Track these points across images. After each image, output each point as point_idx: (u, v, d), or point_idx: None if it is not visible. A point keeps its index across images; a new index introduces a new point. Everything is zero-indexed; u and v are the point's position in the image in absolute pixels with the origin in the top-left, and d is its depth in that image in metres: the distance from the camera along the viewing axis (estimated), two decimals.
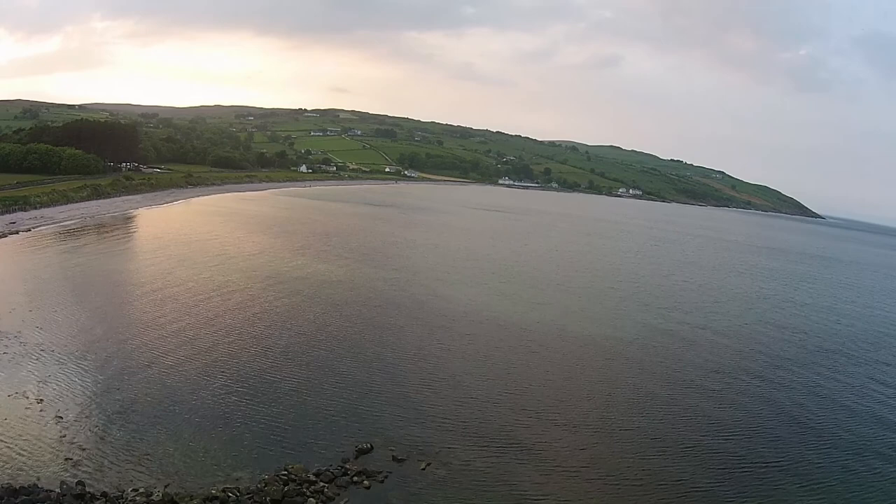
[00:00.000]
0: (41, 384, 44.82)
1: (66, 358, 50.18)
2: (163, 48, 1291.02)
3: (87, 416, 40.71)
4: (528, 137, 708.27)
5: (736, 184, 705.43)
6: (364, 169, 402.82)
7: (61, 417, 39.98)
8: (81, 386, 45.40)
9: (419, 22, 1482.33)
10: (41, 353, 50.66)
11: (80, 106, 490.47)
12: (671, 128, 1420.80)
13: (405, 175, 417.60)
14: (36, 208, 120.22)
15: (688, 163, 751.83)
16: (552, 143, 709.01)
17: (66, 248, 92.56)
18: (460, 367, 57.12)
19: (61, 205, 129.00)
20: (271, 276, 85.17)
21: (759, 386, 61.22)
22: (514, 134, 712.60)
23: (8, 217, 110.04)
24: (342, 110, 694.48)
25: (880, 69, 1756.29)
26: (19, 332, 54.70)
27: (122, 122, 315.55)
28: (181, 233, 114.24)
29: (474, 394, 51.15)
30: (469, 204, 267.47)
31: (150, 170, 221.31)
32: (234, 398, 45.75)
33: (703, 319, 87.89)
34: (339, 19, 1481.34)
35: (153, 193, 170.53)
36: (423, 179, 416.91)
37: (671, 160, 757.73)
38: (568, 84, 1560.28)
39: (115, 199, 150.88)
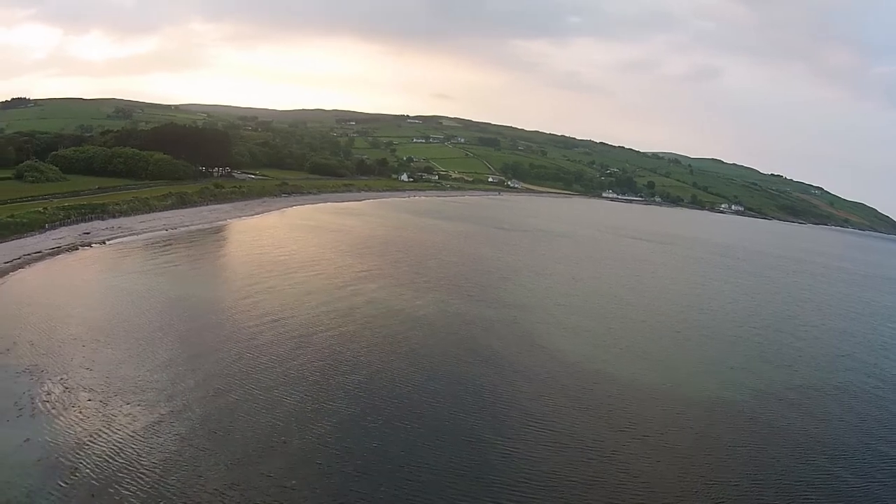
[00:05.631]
0: (77, 448, 39.44)
1: (113, 406, 45.28)
2: (263, 51, 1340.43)
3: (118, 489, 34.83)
4: (630, 149, 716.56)
5: (833, 200, 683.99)
6: (467, 178, 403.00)
7: (93, 496, 34.66)
8: (124, 447, 39.77)
9: (524, 30, 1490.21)
10: (88, 401, 45.93)
11: (175, 106, 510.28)
12: (770, 141, 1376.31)
13: (508, 186, 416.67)
14: (114, 217, 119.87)
15: (787, 178, 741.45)
16: (655, 156, 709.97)
17: (138, 267, 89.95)
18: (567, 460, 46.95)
19: (142, 213, 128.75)
20: (358, 313, 78.86)
21: None
22: (616, 145, 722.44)
23: (83, 226, 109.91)
24: (445, 117, 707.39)
25: None
26: (65, 371, 50.58)
27: (219, 125, 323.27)
28: (269, 252, 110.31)
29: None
30: (582, 222, 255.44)
31: (243, 176, 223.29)
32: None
33: None
34: (444, 25, 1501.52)
35: (244, 202, 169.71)
36: (527, 191, 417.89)
37: (771, 175, 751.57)
38: (670, 95, 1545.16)
39: (202, 208, 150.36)
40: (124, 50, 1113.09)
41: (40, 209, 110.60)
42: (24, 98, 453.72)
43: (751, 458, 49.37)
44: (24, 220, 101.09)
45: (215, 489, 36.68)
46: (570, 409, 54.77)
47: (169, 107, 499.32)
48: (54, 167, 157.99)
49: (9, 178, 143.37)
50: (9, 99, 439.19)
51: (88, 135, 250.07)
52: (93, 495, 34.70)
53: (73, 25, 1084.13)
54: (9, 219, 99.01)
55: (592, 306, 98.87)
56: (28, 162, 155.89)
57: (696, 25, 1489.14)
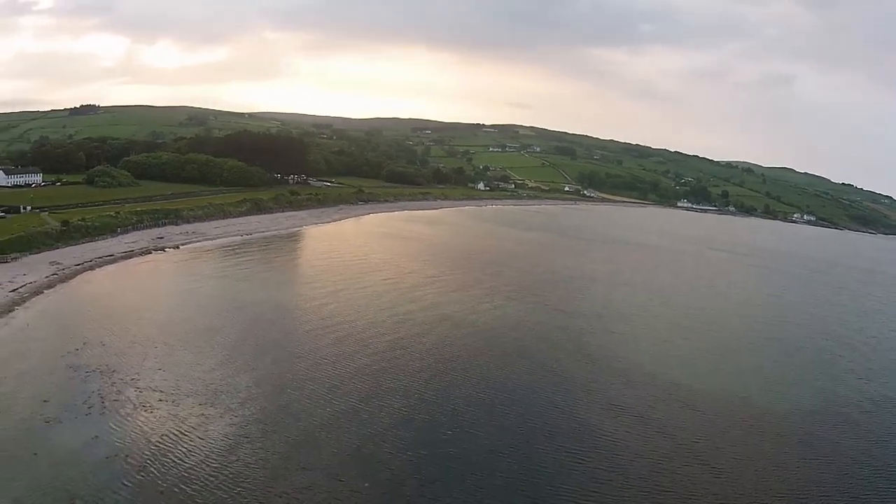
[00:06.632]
0: (146, 447, 39.80)
1: (183, 407, 45.82)
2: (337, 59, 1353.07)
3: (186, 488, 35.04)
4: (704, 158, 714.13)
5: None
6: (543, 187, 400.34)
7: (162, 493, 35.21)
8: (193, 447, 40.21)
9: (598, 39, 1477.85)
10: (158, 401, 46.40)
11: (249, 114, 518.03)
12: (838, 149, 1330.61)
13: (584, 195, 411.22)
14: (189, 222, 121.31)
15: (857, 187, 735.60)
16: (728, 164, 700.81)
17: (212, 272, 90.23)
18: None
19: (217, 219, 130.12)
20: (430, 319, 77.49)
21: None
22: (691, 154, 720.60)
23: (157, 231, 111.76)
24: (521, 126, 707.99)
25: None
26: (136, 371, 51.22)
27: (294, 133, 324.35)
28: (344, 260, 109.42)
29: None
30: (658, 232, 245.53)
31: (318, 183, 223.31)
32: None
33: None
34: (520, 34, 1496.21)
35: (320, 209, 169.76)
36: (603, 200, 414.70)
37: (842, 184, 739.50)
38: (741, 102, 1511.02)
39: (278, 214, 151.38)
40: (196, 58, 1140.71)
41: (112, 213, 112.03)
42: (94, 105, 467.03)
43: (810, 478, 48.24)
44: (97, 224, 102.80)
45: (286, 492, 36.85)
46: (638, 425, 53.50)
47: (242, 115, 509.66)
48: (126, 172, 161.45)
49: (79, 183, 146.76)
50: (78, 105, 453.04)
51: (161, 141, 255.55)
52: (161, 492, 35.13)
53: (141, 34, 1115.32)
54: (80, 222, 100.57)
55: (668, 316, 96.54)
56: (99, 167, 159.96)
57: (765, 32, 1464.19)
